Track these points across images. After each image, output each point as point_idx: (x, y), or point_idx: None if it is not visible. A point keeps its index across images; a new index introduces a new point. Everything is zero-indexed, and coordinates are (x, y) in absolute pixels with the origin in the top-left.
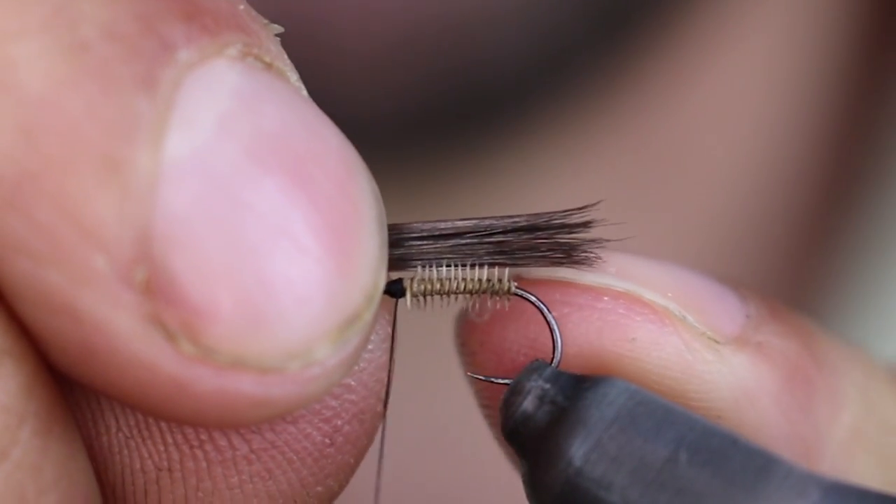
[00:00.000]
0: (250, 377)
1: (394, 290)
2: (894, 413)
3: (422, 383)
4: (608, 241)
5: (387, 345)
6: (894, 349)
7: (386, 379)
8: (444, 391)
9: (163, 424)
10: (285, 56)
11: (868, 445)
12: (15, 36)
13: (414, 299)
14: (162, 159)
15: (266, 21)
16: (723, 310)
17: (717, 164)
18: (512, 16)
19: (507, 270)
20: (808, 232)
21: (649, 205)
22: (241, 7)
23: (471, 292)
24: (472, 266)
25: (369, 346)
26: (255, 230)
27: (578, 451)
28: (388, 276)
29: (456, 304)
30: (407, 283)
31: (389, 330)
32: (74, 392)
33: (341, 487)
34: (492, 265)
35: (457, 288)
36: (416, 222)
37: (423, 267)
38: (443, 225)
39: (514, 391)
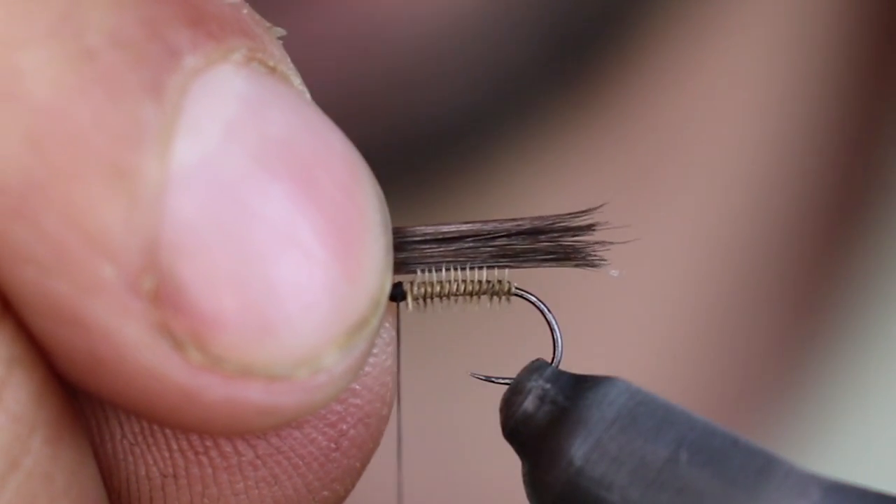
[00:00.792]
0: (258, 385)
1: (394, 293)
2: None
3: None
4: (612, 243)
5: (391, 348)
6: None
7: (395, 383)
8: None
9: (168, 431)
10: (288, 59)
11: None
12: (21, 44)
13: (414, 302)
14: (169, 167)
15: (269, 24)
16: None
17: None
18: (507, 15)
19: (506, 271)
20: (814, 230)
21: (651, 206)
22: (245, 11)
23: (471, 294)
24: (475, 269)
25: (374, 350)
26: (262, 237)
27: (579, 450)
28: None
29: (457, 306)
30: (407, 287)
31: (394, 334)
32: (79, 399)
33: (347, 492)
34: (495, 268)
35: (457, 290)
36: (419, 226)
37: (424, 271)
38: (446, 228)
39: (515, 391)
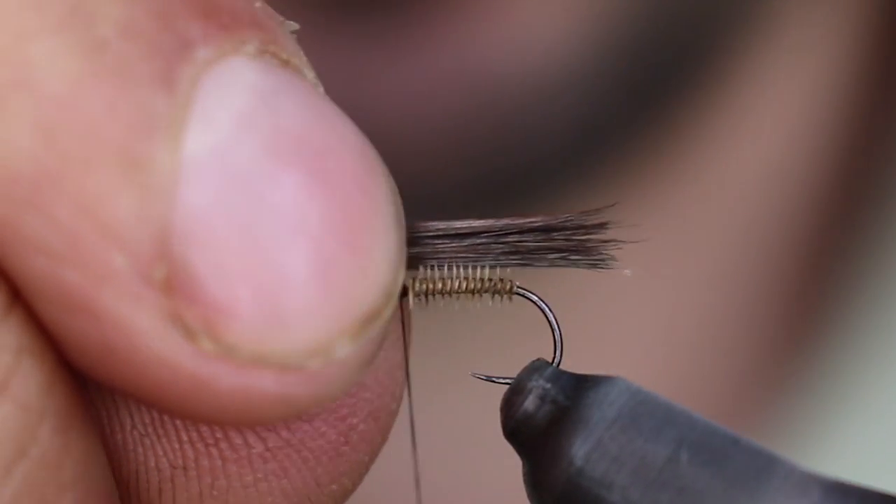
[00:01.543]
0: (271, 375)
1: None
2: None
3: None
4: (624, 242)
5: (401, 343)
6: None
7: (405, 378)
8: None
9: (178, 422)
10: (301, 53)
11: None
12: (33, 35)
13: (416, 299)
14: (181, 157)
15: (282, 18)
16: None
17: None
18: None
19: (508, 270)
20: (816, 231)
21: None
22: (258, 4)
23: (473, 292)
24: (486, 267)
25: (384, 344)
26: (274, 227)
27: (579, 450)
28: None
29: (459, 304)
30: (409, 283)
31: (401, 329)
32: (89, 389)
33: (355, 486)
34: (507, 267)
35: (458, 287)
36: (431, 221)
37: (436, 266)
38: (458, 224)
39: (515, 391)
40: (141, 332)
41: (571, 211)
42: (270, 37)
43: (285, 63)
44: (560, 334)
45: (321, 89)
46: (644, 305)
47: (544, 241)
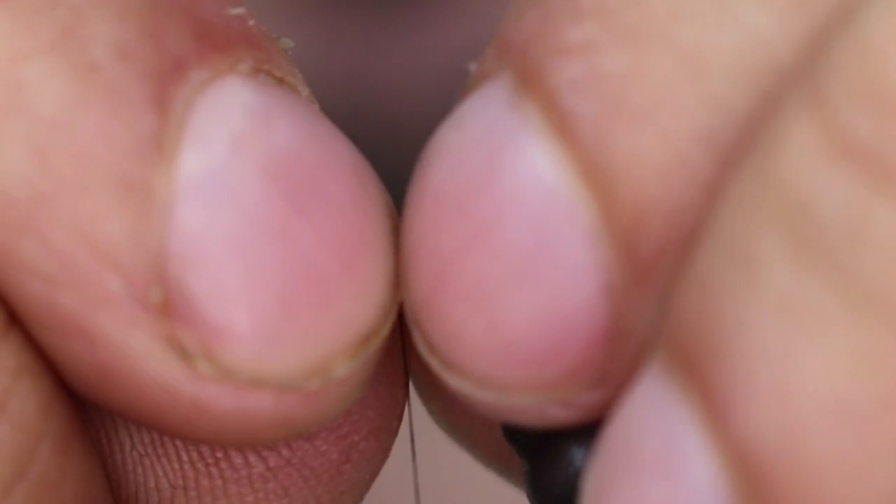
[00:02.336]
0: (269, 396)
1: None
2: None
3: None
4: None
5: (402, 358)
6: None
7: (405, 395)
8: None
9: (178, 442)
10: (296, 71)
11: None
12: (25, 57)
13: None
14: (176, 179)
15: (276, 35)
16: None
17: None
18: None
19: None
20: None
21: None
22: (251, 22)
23: None
24: None
25: (383, 362)
26: (269, 248)
27: (579, 451)
28: None
29: None
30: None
31: (401, 344)
32: (88, 410)
33: (356, 503)
34: None
35: None
36: None
37: None
38: None
39: None
40: (138, 355)
41: None
42: (264, 55)
43: (280, 81)
44: None
45: (316, 107)
46: None
47: None
